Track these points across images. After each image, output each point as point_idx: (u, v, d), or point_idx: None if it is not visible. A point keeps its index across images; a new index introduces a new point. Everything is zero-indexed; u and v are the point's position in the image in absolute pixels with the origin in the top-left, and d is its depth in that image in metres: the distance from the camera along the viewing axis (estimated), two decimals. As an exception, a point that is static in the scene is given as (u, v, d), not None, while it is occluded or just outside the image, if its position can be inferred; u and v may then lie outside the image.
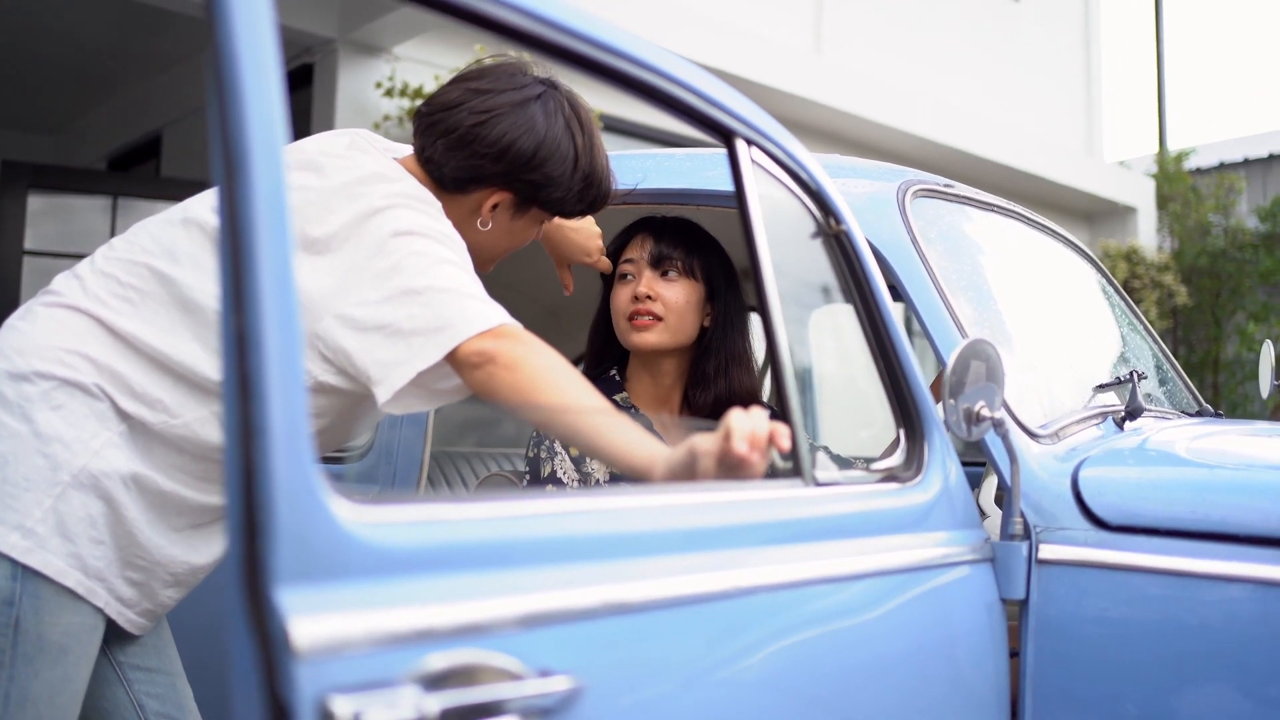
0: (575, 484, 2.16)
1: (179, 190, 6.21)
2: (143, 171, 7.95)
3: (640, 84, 1.35)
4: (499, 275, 1.98)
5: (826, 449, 2.29)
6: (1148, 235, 11.07)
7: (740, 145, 1.45)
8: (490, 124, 1.69)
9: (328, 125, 5.95)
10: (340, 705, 0.80)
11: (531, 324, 3.35)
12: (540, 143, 1.70)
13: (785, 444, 1.29)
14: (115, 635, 1.65)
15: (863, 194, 2.05)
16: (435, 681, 0.87)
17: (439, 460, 2.80)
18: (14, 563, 1.45)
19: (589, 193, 1.79)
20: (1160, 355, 2.76)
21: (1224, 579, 1.60)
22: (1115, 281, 2.87)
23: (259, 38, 0.88)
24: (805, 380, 3.42)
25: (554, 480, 2.17)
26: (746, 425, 1.28)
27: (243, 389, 0.83)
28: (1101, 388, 2.19)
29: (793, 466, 1.40)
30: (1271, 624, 1.56)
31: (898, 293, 1.95)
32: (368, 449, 2.41)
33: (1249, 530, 1.61)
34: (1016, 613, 1.73)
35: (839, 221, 1.61)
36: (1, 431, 1.48)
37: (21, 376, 1.51)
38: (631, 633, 1.07)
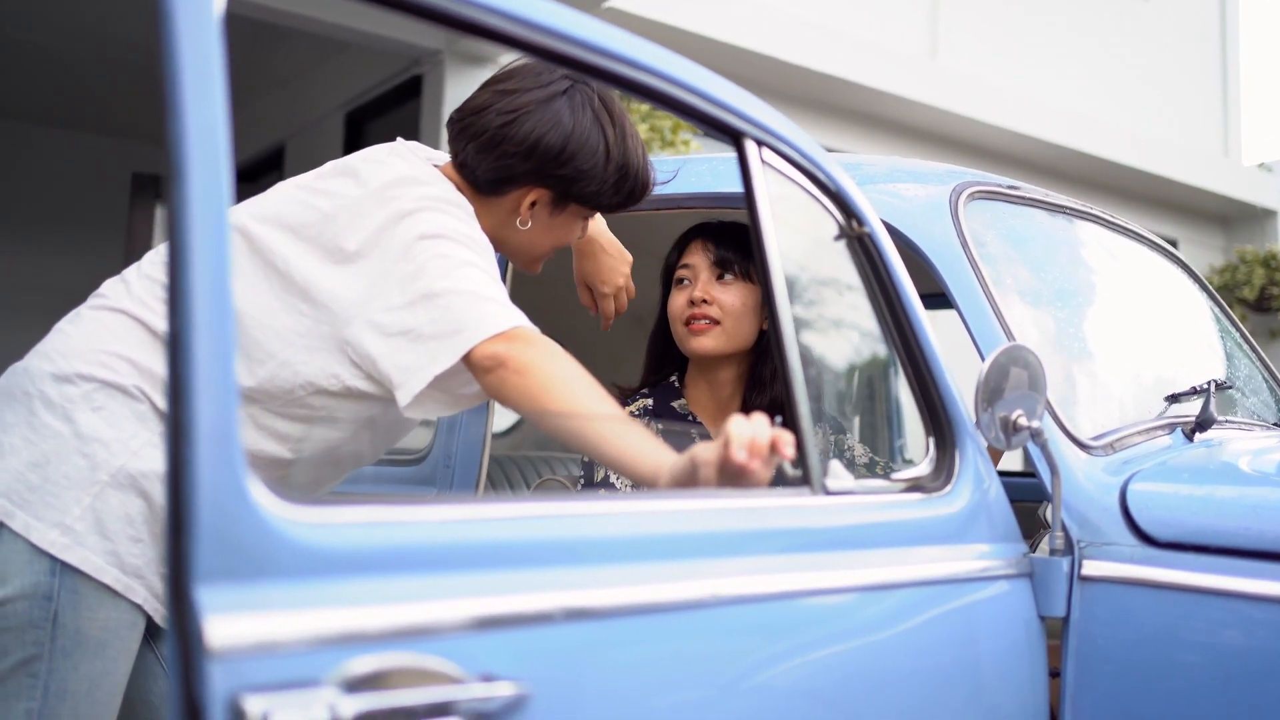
0: (628, 487, 2.15)
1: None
2: (267, 182, 8.20)
3: (644, 87, 1.33)
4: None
5: (884, 459, 2.23)
6: (1289, 240, 10.58)
7: (750, 146, 1.42)
8: (518, 122, 1.70)
9: (435, 135, 6.06)
10: (252, 704, 0.81)
11: (615, 328, 3.38)
12: (568, 136, 1.70)
13: (789, 451, 1.26)
14: (162, 630, 1.70)
15: (914, 197, 2.00)
16: (358, 684, 0.87)
17: (498, 463, 2.82)
18: (53, 559, 1.50)
19: (625, 184, 1.78)
20: (1256, 364, 2.62)
21: (1275, 600, 1.51)
22: (1210, 286, 2.74)
23: (203, 56, 0.90)
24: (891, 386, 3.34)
25: (606, 484, 2.17)
26: (746, 432, 1.25)
27: (174, 388, 0.84)
28: (1173, 398, 2.09)
29: (801, 474, 1.36)
30: (1326, 649, 1.47)
31: (948, 299, 1.90)
32: (427, 452, 2.44)
33: (1304, 549, 1.52)
34: (1060, 631, 1.67)
35: (861, 223, 1.57)
36: (44, 432, 1.53)
37: (64, 378, 1.56)
38: (591, 641, 1.05)
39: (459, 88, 6.17)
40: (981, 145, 8.71)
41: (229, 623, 0.82)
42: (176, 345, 0.85)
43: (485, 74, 6.25)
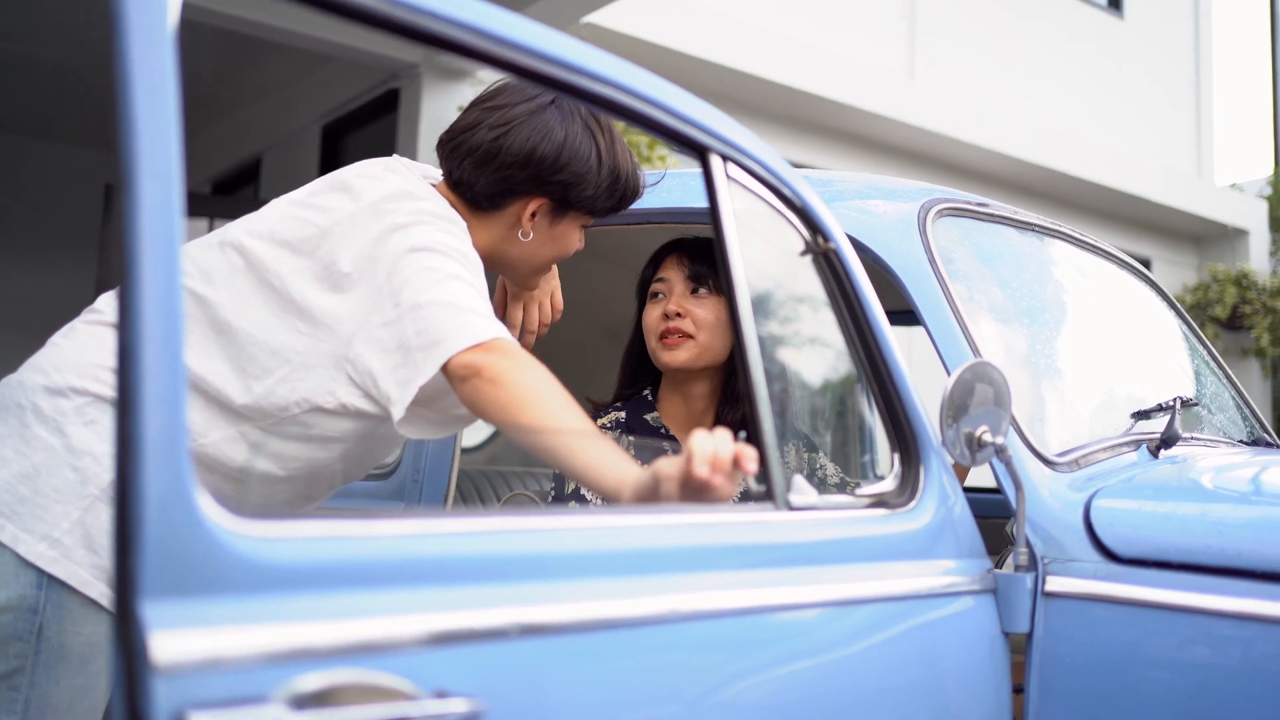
0: (598, 500, 2.15)
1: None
2: (243, 194, 8.19)
3: (610, 102, 1.33)
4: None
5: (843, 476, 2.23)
6: (1260, 259, 10.67)
7: (715, 161, 1.42)
8: (511, 134, 1.72)
9: (412, 149, 6.06)
10: (197, 721, 0.80)
11: (590, 343, 3.37)
12: (562, 144, 1.72)
13: (751, 467, 1.26)
14: None
15: (884, 214, 2.01)
16: (307, 701, 0.86)
17: (467, 478, 2.81)
18: (40, 572, 1.49)
19: (618, 187, 1.80)
20: (1223, 381, 2.64)
21: (1237, 616, 1.52)
22: (1178, 304, 2.76)
23: (156, 68, 0.89)
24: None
25: (577, 496, 2.16)
26: (708, 447, 1.25)
27: (122, 400, 0.83)
28: (1139, 414, 2.10)
29: (765, 490, 1.36)
30: (1287, 666, 1.47)
31: (915, 316, 1.90)
32: (395, 466, 2.43)
33: (1265, 566, 1.52)
34: (1024, 647, 1.67)
35: (827, 239, 1.57)
36: (35, 444, 1.53)
37: (57, 391, 1.56)
38: (547, 657, 1.04)
39: (436, 102, 6.17)
40: (959, 163, 8.76)
41: (175, 638, 0.81)
42: (125, 356, 0.84)
43: (462, 88, 6.27)
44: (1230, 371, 2.73)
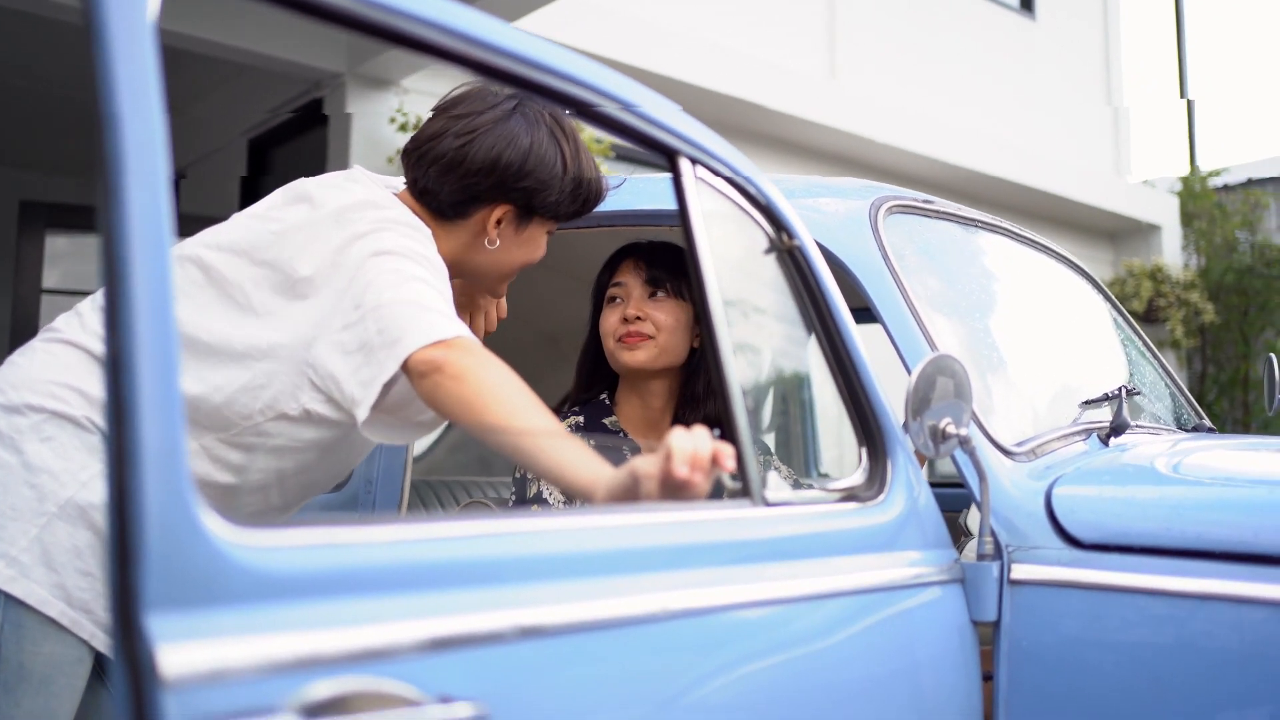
0: (560, 504, 2.14)
1: (197, 227, 6.20)
2: (163, 211, 8.00)
3: (582, 104, 1.33)
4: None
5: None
6: (1173, 253, 10.96)
7: (684, 163, 1.43)
8: (476, 142, 1.72)
9: (343, 160, 5.98)
10: (209, 734, 0.78)
11: (531, 349, 3.34)
12: (528, 152, 1.72)
13: (729, 464, 1.26)
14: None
15: (835, 212, 2.03)
16: (316, 709, 0.84)
17: (420, 489, 2.79)
18: None
19: (581, 192, 1.81)
20: (1159, 371, 2.71)
21: (1199, 597, 1.56)
22: (1113, 297, 2.83)
23: (138, 69, 0.87)
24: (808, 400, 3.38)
25: (539, 500, 2.16)
26: (688, 446, 1.25)
27: (117, 411, 0.81)
28: (1088, 404, 2.15)
29: (741, 486, 1.37)
30: (1248, 641, 1.51)
31: (871, 312, 1.93)
32: (347, 477, 2.40)
33: (1224, 546, 1.56)
34: (992, 635, 1.69)
35: (792, 236, 1.59)
36: None
37: (13, 409, 1.53)
38: (546, 658, 1.04)
39: (363, 111, 6.11)
40: (879, 165, 8.87)
41: (182, 651, 0.79)
42: (118, 367, 0.82)
43: (388, 96, 6.21)
44: (1165, 362, 2.80)
